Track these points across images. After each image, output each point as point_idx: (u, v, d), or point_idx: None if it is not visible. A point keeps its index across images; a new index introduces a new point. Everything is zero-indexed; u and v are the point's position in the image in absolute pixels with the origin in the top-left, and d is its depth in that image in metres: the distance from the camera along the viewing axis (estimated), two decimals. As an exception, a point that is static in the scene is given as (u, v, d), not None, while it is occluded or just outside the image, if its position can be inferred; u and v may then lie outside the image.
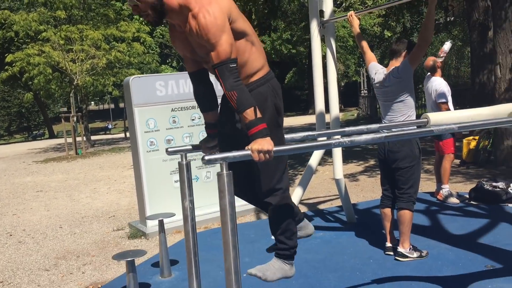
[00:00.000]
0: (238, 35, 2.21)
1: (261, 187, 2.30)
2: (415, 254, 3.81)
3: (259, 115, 2.03)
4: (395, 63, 3.84)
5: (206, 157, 1.75)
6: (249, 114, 2.02)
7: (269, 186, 2.29)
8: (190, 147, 2.51)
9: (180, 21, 2.23)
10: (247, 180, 2.34)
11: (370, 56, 4.16)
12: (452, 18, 19.07)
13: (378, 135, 1.91)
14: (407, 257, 3.78)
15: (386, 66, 4.03)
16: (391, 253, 3.92)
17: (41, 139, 30.67)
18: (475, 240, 4.09)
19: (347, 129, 2.49)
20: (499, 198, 5.12)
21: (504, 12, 7.26)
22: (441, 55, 5.56)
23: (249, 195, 2.47)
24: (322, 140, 3.42)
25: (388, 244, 3.98)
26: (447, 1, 16.41)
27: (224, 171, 1.73)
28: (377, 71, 3.94)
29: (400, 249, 3.81)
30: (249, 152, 1.91)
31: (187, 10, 2.16)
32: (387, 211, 3.94)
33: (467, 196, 5.47)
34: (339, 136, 1.97)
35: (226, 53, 2.08)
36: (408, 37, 13.47)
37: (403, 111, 3.75)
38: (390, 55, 3.96)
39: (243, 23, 2.24)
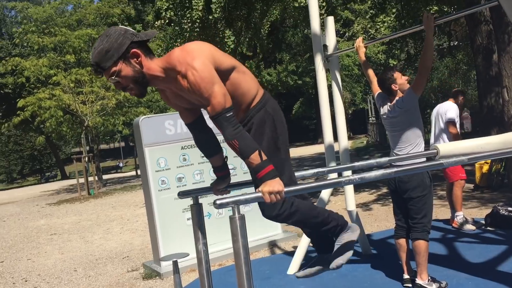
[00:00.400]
0: (228, 72, 2.23)
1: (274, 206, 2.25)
2: (434, 286, 3.72)
3: (264, 157, 2.05)
4: (396, 96, 3.82)
5: (218, 202, 1.76)
6: (254, 158, 2.03)
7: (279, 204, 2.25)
8: (201, 189, 2.52)
9: (166, 84, 2.23)
10: None
11: (376, 86, 4.15)
12: (456, 42, 19.19)
13: (387, 171, 1.92)
14: None
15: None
16: (409, 285, 3.84)
17: (53, 181, 30.91)
18: (494, 268, 4.01)
19: (356, 164, 2.49)
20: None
21: (507, 35, 7.30)
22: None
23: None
24: (333, 177, 3.42)
25: (406, 276, 3.91)
26: (449, 26, 16.55)
27: (236, 215, 1.74)
28: (383, 102, 3.95)
29: (418, 280, 3.74)
30: (260, 194, 1.92)
31: (174, 72, 2.15)
32: (402, 241, 3.89)
33: (483, 222, 5.39)
34: (349, 173, 1.97)
35: (220, 105, 2.09)
36: (412, 64, 13.56)
37: (411, 141, 3.74)
38: (387, 93, 3.92)
39: (229, 60, 2.26)
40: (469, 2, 8.62)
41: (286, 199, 2.23)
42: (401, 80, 3.84)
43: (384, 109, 3.88)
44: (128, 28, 2.17)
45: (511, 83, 7.34)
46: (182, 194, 2.40)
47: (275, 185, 1.94)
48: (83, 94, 17.00)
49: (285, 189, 1.92)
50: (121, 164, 38.45)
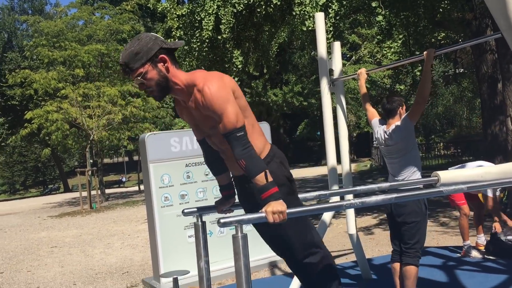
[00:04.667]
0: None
1: (294, 249, 2.38)
2: None
3: (270, 179, 2.10)
4: (393, 121, 3.89)
5: (222, 220, 1.80)
6: (260, 179, 2.09)
7: (303, 246, 2.36)
8: (205, 207, 2.56)
9: (184, 97, 2.34)
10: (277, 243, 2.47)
11: (372, 113, 4.23)
12: (462, 70, 19.31)
13: (388, 196, 1.96)
14: None
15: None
16: None
17: (56, 193, 30.92)
18: (494, 297, 4.01)
19: (358, 188, 2.53)
20: (518, 252, 5.03)
21: (512, 65, 7.39)
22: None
23: (286, 255, 2.56)
24: (335, 200, 3.46)
25: None
26: (455, 54, 16.68)
27: (239, 234, 1.78)
28: (378, 130, 4.01)
29: None
30: (263, 214, 1.96)
31: (193, 87, 2.27)
32: (396, 266, 3.93)
33: (484, 250, 5.39)
34: (351, 197, 2.01)
35: (232, 124, 2.16)
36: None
37: (408, 167, 3.80)
38: (386, 114, 4.00)
39: (245, 103, 2.35)
40: (474, 32, 8.73)
41: (314, 237, 2.38)
42: (404, 110, 3.94)
43: (381, 136, 3.94)
44: (158, 35, 2.30)
45: (515, 112, 7.39)
46: (186, 213, 2.43)
47: (278, 206, 1.99)
48: (90, 108, 17.15)
49: (288, 210, 1.96)
50: (123, 179, 38.50)
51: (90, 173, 16.34)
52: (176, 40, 8.77)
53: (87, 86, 17.22)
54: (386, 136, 3.86)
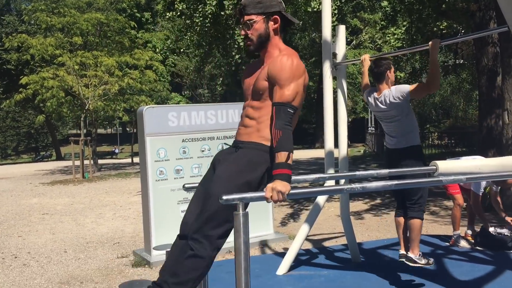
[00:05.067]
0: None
1: (198, 223, 2.31)
2: (423, 261, 4.06)
3: (290, 161, 2.15)
4: (385, 86, 4.04)
5: (224, 197, 1.82)
6: (282, 156, 2.13)
7: (204, 228, 2.28)
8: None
9: (266, 59, 2.46)
10: (196, 209, 2.42)
11: (366, 82, 4.42)
12: (462, 61, 19.30)
13: (389, 183, 1.98)
14: (416, 262, 4.05)
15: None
16: (404, 259, 4.15)
17: (48, 161, 30.86)
18: (479, 287, 4.08)
19: (357, 173, 2.55)
20: (504, 245, 5.11)
21: (513, 59, 7.38)
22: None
23: (186, 222, 2.49)
24: (330, 183, 3.48)
25: (402, 252, 4.23)
26: (456, 44, 16.64)
27: (241, 211, 1.79)
28: (370, 96, 4.17)
29: (410, 254, 4.06)
30: (264, 193, 1.98)
31: (278, 51, 2.41)
32: (401, 220, 4.22)
33: (473, 241, 5.47)
34: (342, 181, 2.01)
35: (288, 97, 2.25)
36: (417, 79, 13.68)
37: (406, 129, 3.94)
38: (375, 79, 4.15)
39: (303, 99, 2.46)
40: (478, 23, 8.70)
41: (221, 237, 2.27)
42: (392, 73, 4.10)
43: (372, 102, 4.11)
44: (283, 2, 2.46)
45: (513, 107, 7.42)
46: (188, 187, 2.44)
47: (282, 186, 2.01)
48: (87, 77, 17.01)
49: (291, 191, 1.98)
50: (116, 150, 38.45)
51: (83, 142, 16.30)
52: (178, 13, 8.69)
53: (84, 55, 17.04)
54: (377, 102, 4.06)
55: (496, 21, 8.15)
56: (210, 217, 2.26)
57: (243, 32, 2.43)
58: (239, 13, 2.44)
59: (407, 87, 3.92)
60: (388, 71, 4.05)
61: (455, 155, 18.16)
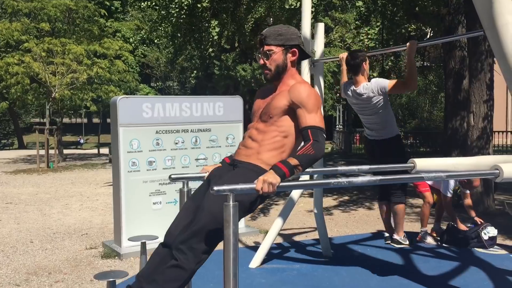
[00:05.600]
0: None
1: (185, 235, 2.32)
2: (408, 241, 4.57)
3: (295, 170, 2.20)
4: (361, 78, 4.15)
5: (215, 188, 1.83)
6: (294, 161, 2.20)
7: (191, 240, 2.29)
8: (193, 175, 2.58)
9: (281, 88, 2.55)
10: (185, 221, 2.43)
11: (345, 80, 4.58)
12: (428, 63, 19.77)
13: (374, 178, 2.04)
14: (401, 243, 4.51)
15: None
16: (389, 241, 4.63)
17: (9, 149, 29.95)
18: (446, 282, 4.23)
19: (340, 168, 2.61)
20: (469, 242, 5.30)
21: (480, 63, 7.63)
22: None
23: (171, 232, 2.49)
24: (305, 178, 3.53)
25: (386, 234, 4.70)
26: (424, 47, 17.03)
27: (231, 202, 1.81)
28: (348, 90, 4.30)
29: (395, 236, 4.52)
30: (254, 185, 2.01)
31: (294, 81, 2.50)
32: (385, 206, 4.59)
33: (438, 238, 5.64)
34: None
35: (322, 123, 2.37)
36: (386, 78, 13.96)
37: (385, 122, 4.06)
38: (352, 71, 4.26)
39: None
40: (447, 27, 8.94)
41: (204, 252, 2.29)
42: (367, 65, 4.22)
43: (350, 94, 4.22)
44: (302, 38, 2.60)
45: (478, 109, 7.68)
46: (174, 179, 2.44)
47: (272, 177, 2.05)
48: (54, 65, 16.57)
49: (282, 184, 2.01)
50: (81, 141, 37.61)
51: (48, 131, 15.91)
52: (153, 3, 8.58)
53: (52, 42, 16.57)
54: (355, 94, 4.16)
55: (466, 26, 8.39)
56: (198, 230, 2.28)
57: (262, 62, 2.52)
58: (259, 42, 2.53)
59: (386, 82, 4.02)
60: (364, 62, 4.16)
61: (420, 155, 18.65)
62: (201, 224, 2.26)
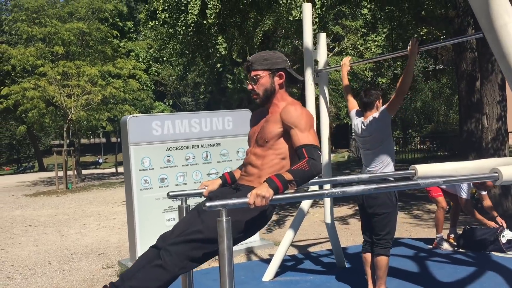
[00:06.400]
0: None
1: (177, 238, 2.35)
2: None
3: (289, 186, 2.20)
4: (371, 113, 3.99)
5: (208, 204, 1.85)
6: (288, 175, 2.19)
7: (181, 245, 2.30)
8: (191, 191, 2.60)
9: (273, 110, 2.58)
10: (190, 221, 2.46)
11: (353, 104, 4.35)
12: (442, 66, 19.61)
13: (368, 187, 2.02)
14: None
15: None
16: None
17: (30, 172, 30.47)
18: (462, 288, 4.16)
19: (338, 178, 2.60)
20: (487, 246, 5.21)
21: (491, 64, 7.54)
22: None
23: (165, 236, 2.53)
24: (315, 189, 3.53)
25: None
26: (436, 50, 16.92)
27: (224, 218, 1.82)
28: (356, 122, 4.11)
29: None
30: (247, 199, 2.01)
31: (284, 103, 2.53)
32: (368, 256, 4.03)
33: (455, 243, 5.56)
34: (328, 186, 2.06)
35: (316, 141, 2.38)
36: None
37: (382, 159, 3.90)
38: (363, 107, 4.09)
39: None
40: (456, 29, 8.88)
41: (196, 257, 2.30)
42: (380, 103, 4.05)
43: (358, 127, 4.04)
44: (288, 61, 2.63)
45: (491, 111, 7.58)
46: (172, 196, 2.47)
47: (265, 190, 2.05)
48: (69, 87, 16.88)
49: (274, 197, 2.01)
50: (100, 160, 38.07)
51: (66, 152, 16.15)
52: (161, 22, 8.71)
53: (66, 65, 16.92)
54: (363, 127, 3.98)
55: (474, 27, 8.32)
56: (189, 237, 2.31)
57: (250, 87, 2.58)
58: (246, 69, 2.60)
59: (383, 108, 3.93)
60: (377, 101, 4.02)
61: (437, 159, 18.43)
62: (194, 233, 2.29)
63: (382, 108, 3.93)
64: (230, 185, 2.68)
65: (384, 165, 3.90)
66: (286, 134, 2.45)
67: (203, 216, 2.35)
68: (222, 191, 2.61)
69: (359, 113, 4.16)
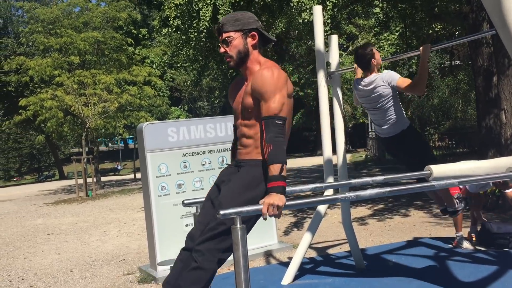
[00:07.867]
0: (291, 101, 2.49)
1: (203, 236, 2.36)
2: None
3: (283, 173, 2.17)
4: (370, 73, 4.10)
5: (221, 212, 1.87)
6: (275, 168, 2.17)
7: (208, 241, 2.32)
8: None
9: (249, 75, 2.54)
10: (202, 225, 2.47)
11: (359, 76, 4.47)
12: (458, 62, 19.38)
13: (382, 190, 2.02)
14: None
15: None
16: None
17: (51, 180, 30.92)
18: None
19: (353, 181, 2.60)
20: (507, 243, 5.13)
21: (507, 59, 7.44)
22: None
23: (192, 236, 2.54)
24: (330, 192, 3.53)
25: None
26: (452, 46, 16.72)
27: (238, 225, 1.84)
28: (358, 86, 4.23)
29: (449, 208, 4.42)
30: (261, 206, 2.03)
31: (258, 66, 2.48)
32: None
33: (476, 241, 5.49)
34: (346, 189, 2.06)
35: (275, 110, 2.30)
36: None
37: (392, 117, 4.00)
38: (359, 62, 4.19)
39: (292, 106, 2.51)
40: (471, 25, 8.77)
41: (226, 250, 2.31)
42: (378, 56, 4.12)
43: (360, 89, 4.15)
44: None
45: (509, 106, 7.48)
46: (186, 204, 2.49)
47: (277, 199, 2.06)
48: (86, 96, 17.11)
49: (287, 203, 2.02)
50: (119, 167, 38.51)
51: (85, 160, 16.37)
52: (173, 29, 8.78)
53: (82, 74, 17.17)
54: (363, 85, 4.09)
55: (489, 22, 8.22)
56: (214, 232, 2.32)
57: (222, 50, 2.52)
58: (217, 31, 2.52)
59: (396, 77, 3.96)
60: (372, 59, 4.10)
61: (456, 156, 18.19)
62: (213, 224, 2.31)
63: (394, 78, 3.96)
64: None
65: (393, 120, 4.01)
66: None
67: (218, 208, 2.33)
68: (226, 173, 2.62)
69: (359, 79, 4.29)
